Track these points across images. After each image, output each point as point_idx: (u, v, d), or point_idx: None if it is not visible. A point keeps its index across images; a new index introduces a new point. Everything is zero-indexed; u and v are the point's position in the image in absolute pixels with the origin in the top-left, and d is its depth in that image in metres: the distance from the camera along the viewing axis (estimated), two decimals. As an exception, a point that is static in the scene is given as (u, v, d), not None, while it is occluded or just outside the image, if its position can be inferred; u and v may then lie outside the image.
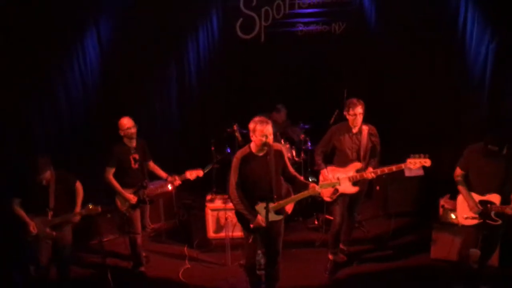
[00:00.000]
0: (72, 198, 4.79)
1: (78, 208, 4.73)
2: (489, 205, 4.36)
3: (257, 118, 4.18)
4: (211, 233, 6.07)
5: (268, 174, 4.18)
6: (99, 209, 4.70)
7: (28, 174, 4.50)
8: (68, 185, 4.75)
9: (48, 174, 4.51)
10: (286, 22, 7.28)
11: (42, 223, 4.57)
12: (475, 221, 4.47)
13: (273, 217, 4.28)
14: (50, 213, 4.60)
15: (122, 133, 5.07)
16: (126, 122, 5.06)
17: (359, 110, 4.81)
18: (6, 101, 5.63)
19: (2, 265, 5.11)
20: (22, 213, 4.54)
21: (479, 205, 4.42)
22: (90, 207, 4.67)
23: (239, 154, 4.27)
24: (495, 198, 4.35)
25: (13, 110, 5.75)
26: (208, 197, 6.23)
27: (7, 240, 5.02)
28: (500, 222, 4.35)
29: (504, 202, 4.31)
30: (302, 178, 4.46)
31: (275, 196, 4.25)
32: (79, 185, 4.83)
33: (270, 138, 4.12)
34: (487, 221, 4.39)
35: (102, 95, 6.69)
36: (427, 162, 4.57)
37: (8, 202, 4.55)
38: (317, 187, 4.21)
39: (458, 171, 4.61)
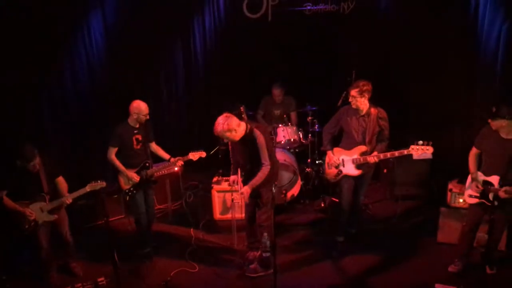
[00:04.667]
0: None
1: (67, 194, 4.66)
2: (489, 187, 4.36)
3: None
4: (217, 215, 6.09)
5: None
6: (104, 183, 4.71)
7: (15, 163, 4.38)
8: (54, 169, 4.68)
9: (37, 160, 4.42)
10: (294, 1, 7.14)
11: (40, 209, 4.54)
12: (476, 200, 4.50)
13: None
14: (47, 197, 4.57)
15: (134, 116, 4.98)
16: (144, 108, 4.98)
17: (353, 93, 4.76)
18: (13, 81, 5.61)
19: (11, 245, 5.16)
20: (11, 204, 4.42)
21: (480, 185, 4.43)
22: (94, 183, 4.67)
23: None
24: (494, 180, 4.34)
25: (18, 92, 5.73)
26: (215, 178, 6.23)
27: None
28: (495, 204, 4.33)
29: (504, 185, 4.27)
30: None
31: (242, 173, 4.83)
32: (61, 179, 4.74)
33: (229, 136, 4.51)
34: (484, 201, 4.42)
35: (108, 75, 6.63)
36: (429, 150, 4.54)
37: None
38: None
39: (473, 150, 4.60)
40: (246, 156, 4.71)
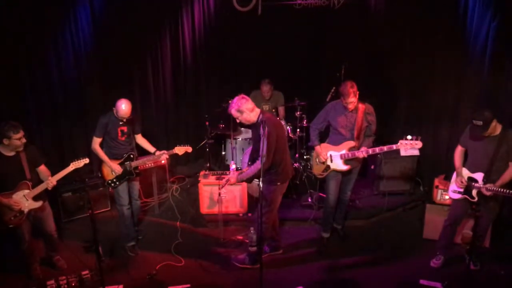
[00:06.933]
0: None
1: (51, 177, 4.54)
2: (473, 183, 4.41)
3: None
4: (204, 209, 6.05)
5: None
6: (87, 159, 4.64)
7: None
8: (37, 157, 4.58)
9: (23, 134, 4.30)
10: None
11: (24, 197, 4.43)
12: (459, 196, 4.56)
13: None
14: (30, 184, 4.46)
15: (115, 115, 4.93)
16: (123, 112, 4.86)
17: (351, 99, 4.72)
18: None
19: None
20: None
21: (464, 181, 4.48)
22: (77, 161, 4.58)
23: None
24: (479, 176, 4.39)
25: (5, 82, 5.63)
26: (202, 172, 6.19)
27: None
28: (476, 200, 4.40)
29: (488, 182, 4.32)
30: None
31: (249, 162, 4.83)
32: (44, 168, 4.64)
33: (238, 117, 4.46)
34: (467, 197, 4.47)
35: (94, 64, 6.52)
36: (418, 144, 4.56)
37: None
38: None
39: (458, 147, 4.65)
40: (253, 144, 4.70)
